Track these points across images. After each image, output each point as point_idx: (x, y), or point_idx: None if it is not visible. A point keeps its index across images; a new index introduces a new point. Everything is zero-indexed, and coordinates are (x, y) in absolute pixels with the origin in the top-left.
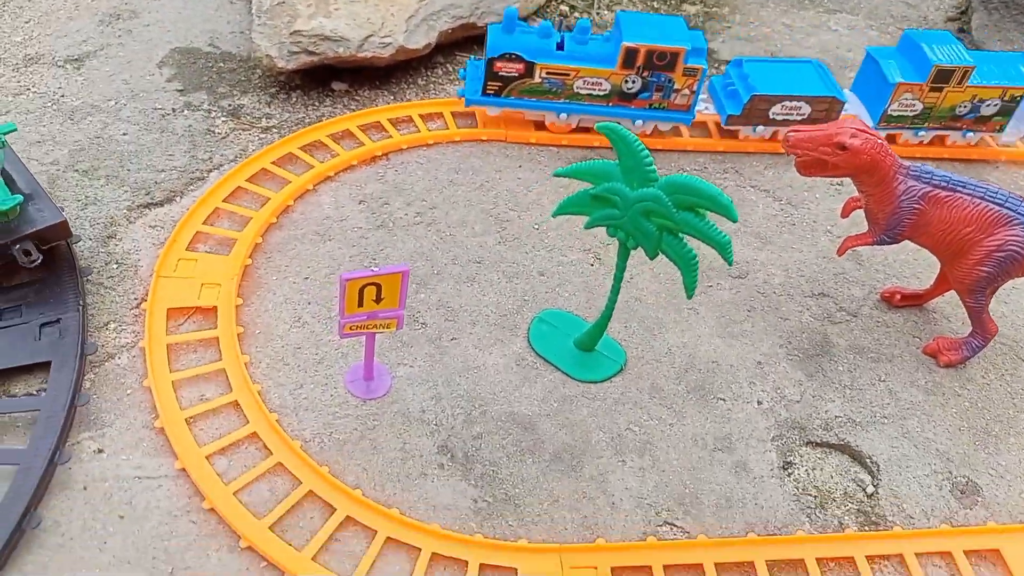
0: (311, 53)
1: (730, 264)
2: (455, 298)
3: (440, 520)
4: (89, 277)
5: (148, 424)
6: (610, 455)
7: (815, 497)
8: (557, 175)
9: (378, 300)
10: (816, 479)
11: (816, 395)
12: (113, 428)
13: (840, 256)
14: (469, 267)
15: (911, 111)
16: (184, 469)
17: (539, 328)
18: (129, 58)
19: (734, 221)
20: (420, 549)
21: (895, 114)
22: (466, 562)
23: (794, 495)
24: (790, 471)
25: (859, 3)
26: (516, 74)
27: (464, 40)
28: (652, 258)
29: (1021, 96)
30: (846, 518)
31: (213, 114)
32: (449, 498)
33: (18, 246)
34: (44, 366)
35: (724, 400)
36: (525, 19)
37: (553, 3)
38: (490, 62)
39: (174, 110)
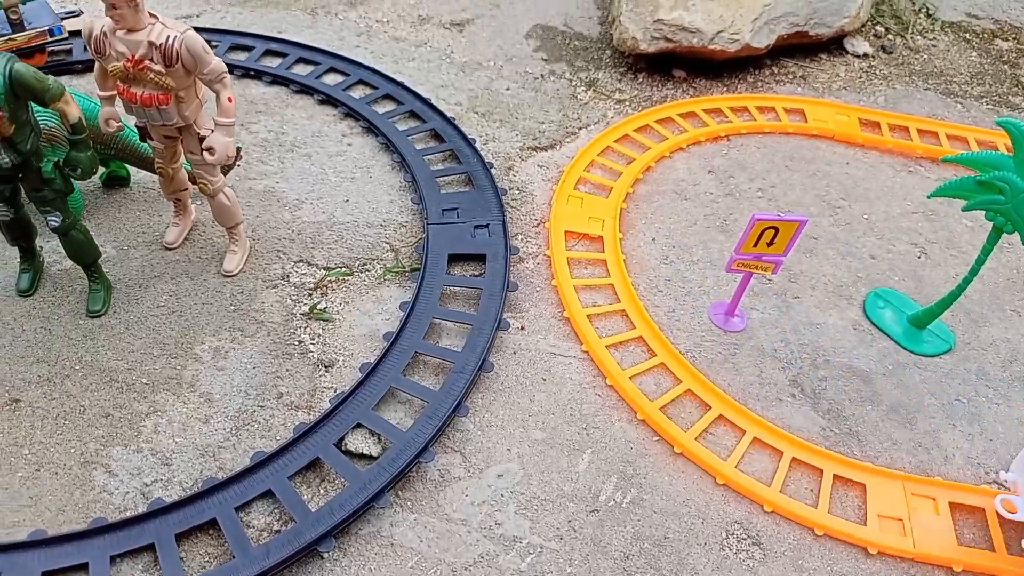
0: (669, 40)
1: None
2: (796, 264)
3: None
4: (504, 196)
5: (557, 315)
6: (941, 418)
7: None
8: (946, 160)
9: (770, 244)
10: None
11: None
12: (530, 314)
13: None
14: (807, 241)
15: None
16: (588, 353)
17: (874, 301)
18: (500, 28)
19: None
20: (782, 452)
21: None
22: (821, 471)
23: None
24: None
25: None
26: None
27: (792, 47)
28: None
29: None
30: None
31: (574, 83)
32: (801, 422)
33: None
34: (478, 258)
35: None
36: (843, 36)
37: (868, 24)
38: None
39: (543, 75)
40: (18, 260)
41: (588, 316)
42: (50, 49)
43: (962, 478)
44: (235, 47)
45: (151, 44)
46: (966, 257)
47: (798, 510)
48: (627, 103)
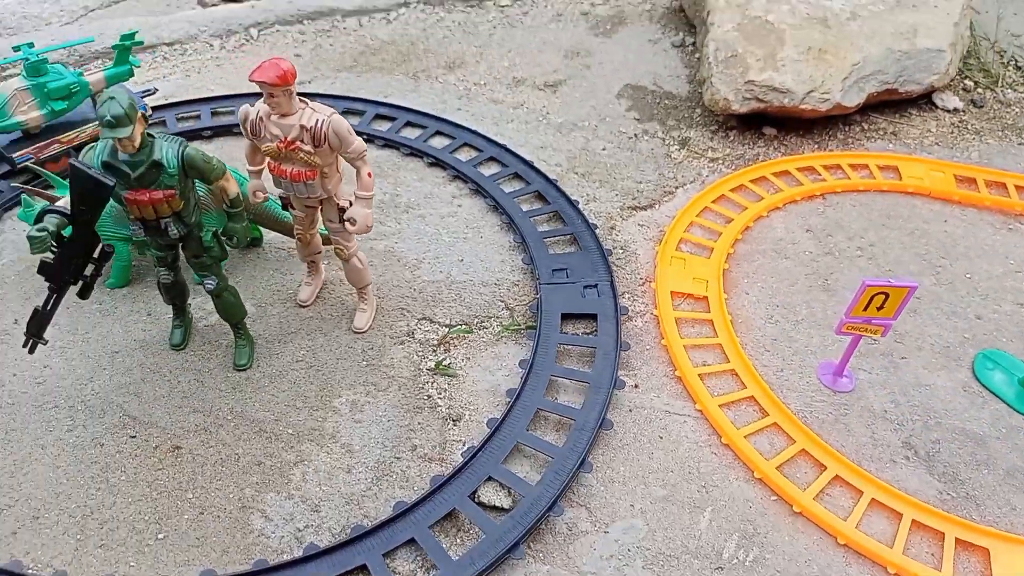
0: (760, 100)
1: None
2: (901, 324)
3: None
4: (609, 256)
5: (669, 374)
6: None
7: None
8: None
9: (880, 308)
10: None
11: None
12: (642, 372)
13: None
14: (911, 301)
15: None
16: (702, 412)
17: (983, 363)
18: (591, 88)
19: None
20: (901, 515)
21: None
22: (943, 534)
23: None
24: None
25: None
26: None
27: (882, 103)
28: None
29: None
30: None
31: (667, 142)
32: (916, 485)
33: None
34: (589, 317)
35: None
36: (932, 92)
37: (957, 78)
38: None
39: (636, 135)
40: (171, 317)
41: (699, 375)
42: (180, 116)
43: None
44: (347, 112)
45: (303, 127)
46: None
47: (922, 573)
48: (720, 161)
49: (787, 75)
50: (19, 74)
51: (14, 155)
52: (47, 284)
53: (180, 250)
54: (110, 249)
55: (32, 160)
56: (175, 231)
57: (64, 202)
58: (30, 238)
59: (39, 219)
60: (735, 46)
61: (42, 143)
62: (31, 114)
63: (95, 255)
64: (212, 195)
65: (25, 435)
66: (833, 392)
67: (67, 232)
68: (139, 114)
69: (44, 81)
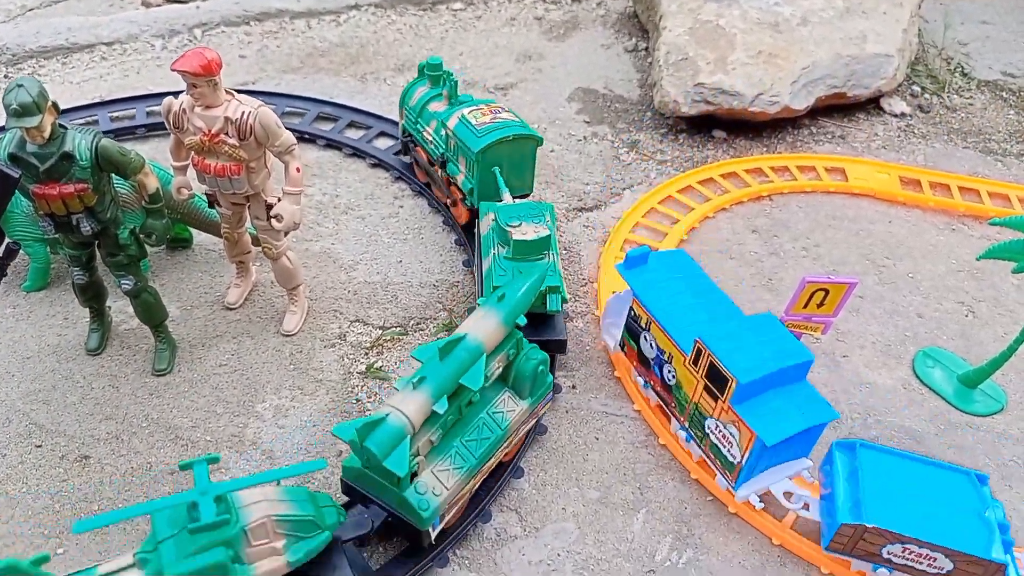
0: (709, 103)
1: None
2: (843, 323)
3: None
4: None
5: (607, 375)
6: (996, 479)
7: None
8: (994, 224)
9: (820, 305)
10: None
11: None
12: (580, 373)
13: None
14: (854, 300)
15: None
16: (639, 412)
17: (923, 361)
18: (543, 91)
19: None
20: None
21: None
22: None
23: None
24: None
25: None
26: None
27: (830, 107)
28: None
29: None
30: None
31: (616, 144)
32: None
33: None
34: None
35: None
36: (880, 96)
37: (904, 83)
38: None
39: (585, 137)
40: (88, 320)
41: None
42: (113, 114)
43: (1021, 542)
44: (289, 112)
45: (227, 119)
46: (1014, 316)
47: (856, 572)
48: (669, 163)
49: (737, 78)
50: None
51: None
52: None
53: (96, 248)
54: (15, 247)
55: None
56: (88, 228)
57: None
58: None
59: None
60: (686, 50)
61: None
62: None
63: None
64: (134, 191)
65: None
66: None
67: None
68: (48, 103)
69: None
